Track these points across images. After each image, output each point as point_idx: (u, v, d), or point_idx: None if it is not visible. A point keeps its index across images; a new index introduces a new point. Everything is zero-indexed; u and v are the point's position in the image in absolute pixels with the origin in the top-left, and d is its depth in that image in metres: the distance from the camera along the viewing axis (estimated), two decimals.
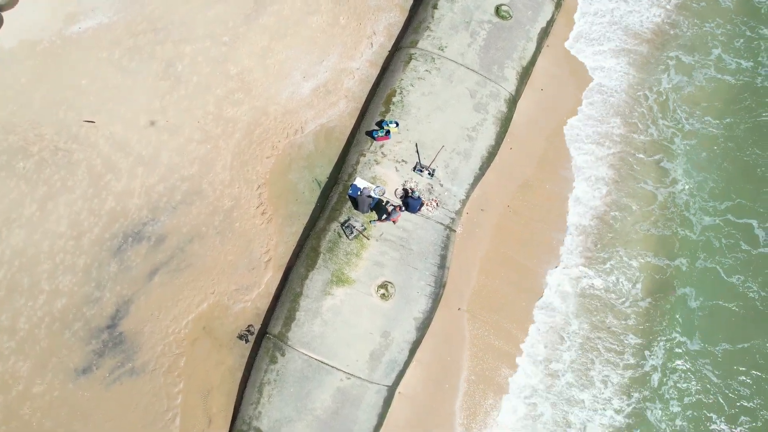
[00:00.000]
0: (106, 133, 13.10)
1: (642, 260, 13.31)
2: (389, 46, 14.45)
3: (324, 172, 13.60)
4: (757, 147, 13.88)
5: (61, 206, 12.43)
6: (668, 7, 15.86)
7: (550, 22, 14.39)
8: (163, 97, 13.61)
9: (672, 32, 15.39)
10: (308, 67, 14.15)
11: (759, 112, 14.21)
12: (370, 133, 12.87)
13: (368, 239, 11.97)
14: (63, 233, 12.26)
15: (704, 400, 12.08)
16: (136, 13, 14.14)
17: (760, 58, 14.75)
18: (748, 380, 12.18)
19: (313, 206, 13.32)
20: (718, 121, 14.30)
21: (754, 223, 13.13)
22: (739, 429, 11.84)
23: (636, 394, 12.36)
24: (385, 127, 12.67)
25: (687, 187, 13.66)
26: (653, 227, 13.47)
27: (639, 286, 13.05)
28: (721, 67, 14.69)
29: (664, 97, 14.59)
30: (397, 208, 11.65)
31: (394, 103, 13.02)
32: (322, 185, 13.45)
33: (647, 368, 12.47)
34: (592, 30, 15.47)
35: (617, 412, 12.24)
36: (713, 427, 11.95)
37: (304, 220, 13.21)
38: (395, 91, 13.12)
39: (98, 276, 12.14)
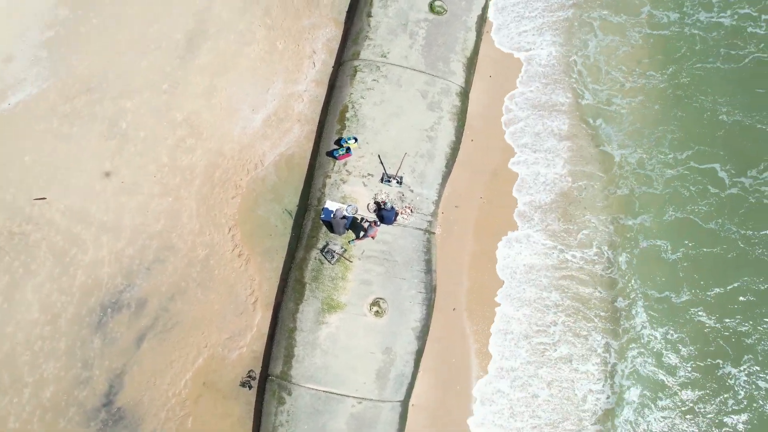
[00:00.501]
0: (61, 207, 12.58)
1: (611, 225, 13.52)
2: (332, 62, 14.28)
3: (292, 201, 13.38)
4: (701, 93, 14.23)
5: (29, 292, 11.89)
6: None
7: (486, 8, 14.45)
8: (113, 158, 13.14)
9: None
10: (255, 99, 13.87)
11: (694, 60, 14.60)
12: (330, 154, 12.71)
13: (351, 261, 11.83)
14: (36, 320, 11.74)
15: (706, 348, 12.41)
16: (65, 76, 13.59)
17: (684, 9, 15.17)
18: (746, 317, 12.50)
19: (288, 237, 13.09)
20: (660, 74, 14.62)
21: (717, 166, 13.49)
22: (745, 367, 12.19)
23: (632, 353, 12.59)
24: (344, 145, 12.52)
25: (637, 148, 13.94)
26: (617, 190, 13.71)
27: (613, 251, 13.28)
28: (654, 23, 15.01)
29: (593, 60, 14.81)
30: (373, 224, 11.54)
31: (348, 119, 12.87)
32: (294, 214, 13.23)
33: (638, 328, 12.70)
34: (512, 11, 15.64)
35: (623, 376, 12.46)
36: (721, 372, 12.26)
37: (283, 252, 12.98)
38: (347, 106, 12.98)
39: (83, 355, 11.67)
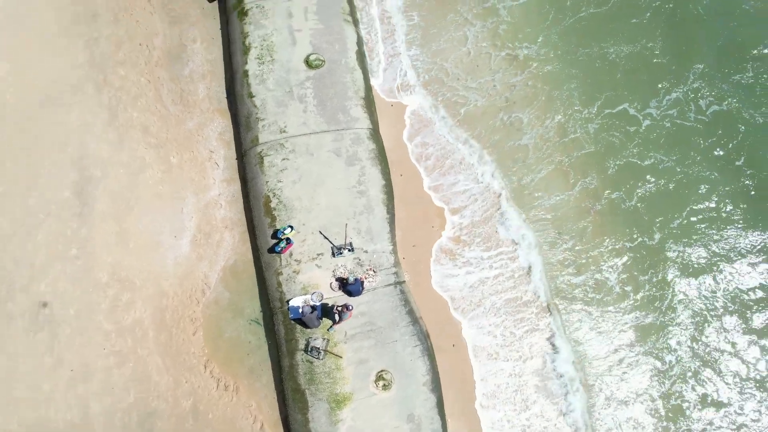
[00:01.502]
0: (13, 427, 11.33)
1: (562, 195, 13.71)
2: (234, 155, 13.54)
3: (255, 309, 12.66)
4: (586, 44, 14.59)
5: None
6: None
7: (360, 41, 14.10)
8: (50, 348, 11.94)
9: None
10: (173, 224, 12.96)
11: (576, 10, 14.92)
12: (272, 250, 12.09)
13: (340, 357, 11.34)
14: None
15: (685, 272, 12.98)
16: None
17: None
18: (702, 238, 13.17)
19: (266, 346, 12.42)
20: (543, 38, 14.85)
21: (626, 106, 13.90)
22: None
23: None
24: (282, 237, 11.93)
25: (555, 115, 14.13)
26: (551, 163, 13.90)
27: (578, 222, 13.50)
28: None
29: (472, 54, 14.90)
30: (344, 308, 11.05)
31: (275, 209, 12.26)
32: (261, 321, 12.55)
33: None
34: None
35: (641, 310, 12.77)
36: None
37: (268, 364, 12.29)
38: (268, 197, 12.35)
39: None
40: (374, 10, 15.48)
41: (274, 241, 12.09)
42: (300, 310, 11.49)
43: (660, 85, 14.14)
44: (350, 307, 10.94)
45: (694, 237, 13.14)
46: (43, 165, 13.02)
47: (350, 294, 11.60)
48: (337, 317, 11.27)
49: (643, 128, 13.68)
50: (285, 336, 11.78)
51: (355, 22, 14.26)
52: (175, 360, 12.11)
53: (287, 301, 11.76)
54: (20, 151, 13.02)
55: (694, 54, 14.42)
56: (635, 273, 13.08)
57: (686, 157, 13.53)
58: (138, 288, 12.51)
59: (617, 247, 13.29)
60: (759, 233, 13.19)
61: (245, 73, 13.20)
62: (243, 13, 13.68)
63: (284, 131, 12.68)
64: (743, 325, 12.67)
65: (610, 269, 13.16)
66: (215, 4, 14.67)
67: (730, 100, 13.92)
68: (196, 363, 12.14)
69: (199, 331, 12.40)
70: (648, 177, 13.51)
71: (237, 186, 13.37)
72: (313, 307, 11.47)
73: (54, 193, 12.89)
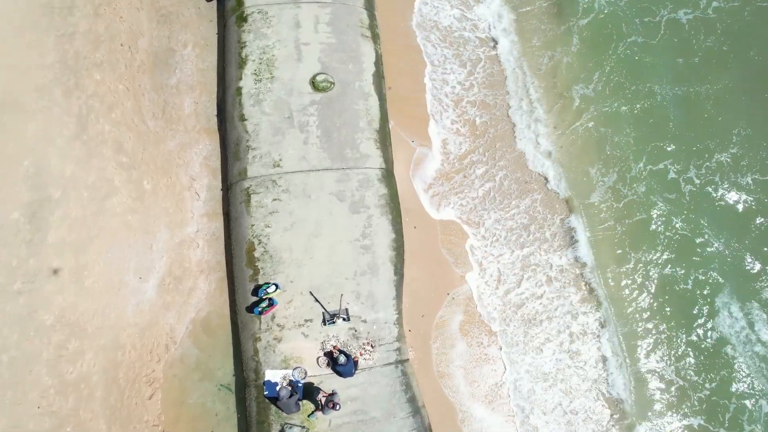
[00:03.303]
0: None
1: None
2: (219, 184, 11.46)
3: (227, 371, 10.61)
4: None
5: None
6: None
7: (378, 61, 11.94)
8: None
9: None
10: (139, 263, 10.92)
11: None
12: (251, 309, 10.02)
13: None
14: None
15: None
16: None
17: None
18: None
19: (236, 418, 10.37)
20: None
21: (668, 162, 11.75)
22: None
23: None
24: (264, 297, 9.84)
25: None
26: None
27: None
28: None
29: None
30: (330, 402, 8.85)
31: (259, 259, 10.17)
32: (233, 387, 10.50)
33: None
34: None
35: None
36: None
37: None
38: (252, 243, 10.26)
39: None
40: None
41: (255, 299, 10.01)
42: (277, 388, 9.40)
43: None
44: (338, 407, 8.77)
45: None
46: None
47: (340, 374, 9.51)
48: (320, 406, 9.18)
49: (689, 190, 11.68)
50: (256, 416, 9.70)
51: (375, 38, 12.10)
52: (123, 429, 10.07)
53: (263, 374, 9.68)
54: None
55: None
56: None
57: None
58: (89, 336, 10.47)
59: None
60: None
61: (238, 91, 11.11)
62: (242, 19, 11.58)
63: (278, 165, 10.57)
64: None
65: None
66: (213, 4, 12.59)
67: None
68: None
69: (158, 394, 10.36)
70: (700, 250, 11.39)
71: (219, 222, 11.29)
72: (293, 388, 9.38)
73: (1, 213, 10.90)
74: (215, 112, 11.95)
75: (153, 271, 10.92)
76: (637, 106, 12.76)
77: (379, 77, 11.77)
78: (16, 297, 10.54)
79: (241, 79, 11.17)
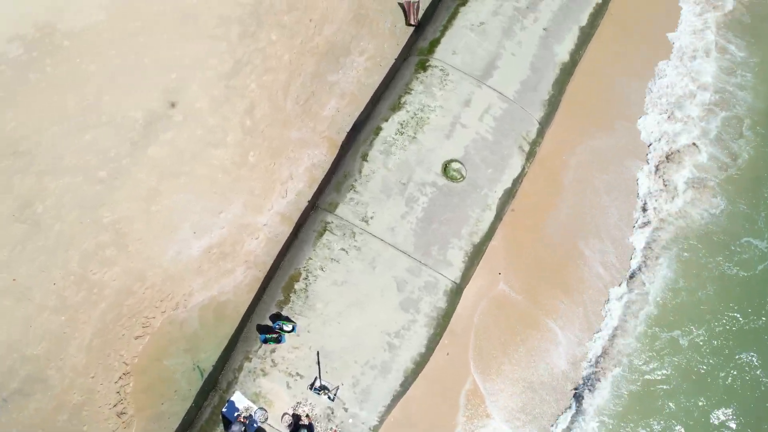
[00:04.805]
0: None
1: None
2: (309, 196, 11.34)
3: (210, 358, 10.66)
4: None
5: None
6: None
7: (518, 180, 11.12)
8: (14, 246, 10.73)
9: None
10: (202, 219, 11.12)
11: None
12: (260, 330, 9.90)
13: None
14: None
15: None
16: None
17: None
18: None
19: (189, 404, 10.44)
20: None
21: None
22: None
23: None
24: (277, 329, 9.66)
25: None
26: None
27: None
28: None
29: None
30: None
31: (295, 291, 9.98)
32: (205, 375, 10.55)
33: None
34: None
35: None
36: None
37: (176, 422, 10.35)
38: (299, 273, 10.07)
39: None
40: None
41: (267, 324, 9.87)
42: (235, 414, 9.31)
43: None
44: None
45: None
46: (139, 74, 11.56)
47: None
48: None
49: None
50: (203, 423, 9.68)
51: (529, 155, 11.25)
52: (101, 348, 10.45)
53: (232, 392, 9.60)
54: (130, 49, 11.63)
55: None
56: None
57: None
58: (127, 254, 10.88)
59: None
60: None
61: (377, 130, 10.79)
62: (422, 66, 11.15)
63: (366, 221, 10.22)
64: None
65: None
66: (407, 30, 12.24)
67: None
68: (117, 367, 10.42)
69: (144, 339, 10.64)
70: None
71: (288, 228, 11.21)
72: (246, 426, 9.22)
73: (129, 107, 11.43)
74: (348, 129, 11.77)
75: (208, 235, 11.08)
76: None
77: (508, 195, 10.97)
78: (95, 183, 11.13)
79: (386, 120, 10.83)
